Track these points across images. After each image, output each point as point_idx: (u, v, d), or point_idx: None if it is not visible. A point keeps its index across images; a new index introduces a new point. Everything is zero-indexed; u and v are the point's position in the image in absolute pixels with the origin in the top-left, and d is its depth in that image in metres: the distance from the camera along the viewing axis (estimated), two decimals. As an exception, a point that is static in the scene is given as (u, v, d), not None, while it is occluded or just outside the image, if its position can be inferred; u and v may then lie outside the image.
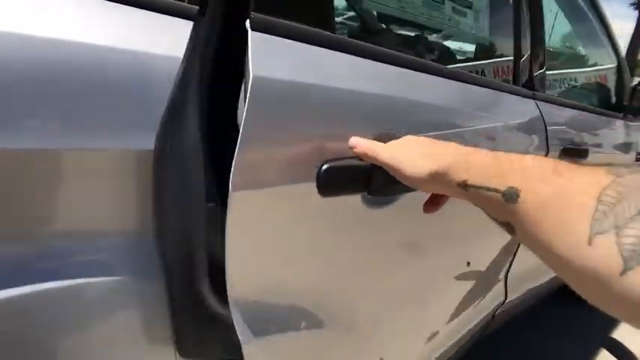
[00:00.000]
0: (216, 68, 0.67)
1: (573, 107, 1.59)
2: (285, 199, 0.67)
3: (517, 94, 1.26)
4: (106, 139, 0.58)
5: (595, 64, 2.36)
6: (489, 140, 1.06)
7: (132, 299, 0.67)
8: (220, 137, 0.67)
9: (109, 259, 0.65)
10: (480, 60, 1.52)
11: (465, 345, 1.36)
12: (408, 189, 0.64)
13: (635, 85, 1.96)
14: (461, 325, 1.29)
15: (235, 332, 0.68)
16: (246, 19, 0.63)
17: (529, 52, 1.35)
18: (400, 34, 1.46)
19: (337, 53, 0.72)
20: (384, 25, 1.45)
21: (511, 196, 0.46)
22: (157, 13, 0.61)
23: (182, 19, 0.62)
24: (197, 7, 0.64)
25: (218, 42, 0.67)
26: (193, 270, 0.69)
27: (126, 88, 0.58)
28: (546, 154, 1.28)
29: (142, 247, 0.68)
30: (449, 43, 1.57)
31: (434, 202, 0.67)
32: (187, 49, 0.62)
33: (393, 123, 0.78)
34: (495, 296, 1.45)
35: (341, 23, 1.54)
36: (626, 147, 2.05)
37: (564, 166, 0.45)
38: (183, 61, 0.61)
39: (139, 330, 0.67)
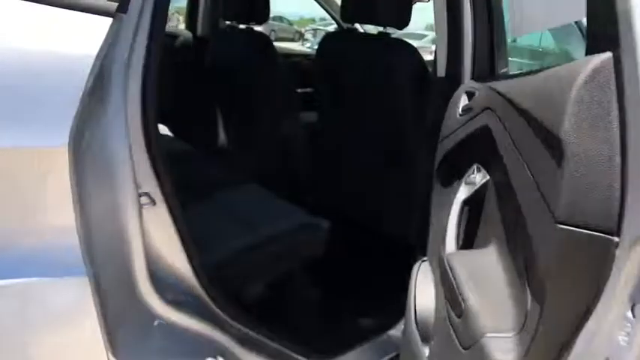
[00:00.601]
0: (146, 64, 0.67)
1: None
2: None
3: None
4: (25, 137, 0.57)
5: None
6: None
7: (65, 299, 0.66)
8: (149, 130, 0.66)
9: (46, 258, 0.65)
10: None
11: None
12: None
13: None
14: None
15: (172, 336, 0.66)
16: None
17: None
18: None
19: None
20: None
21: None
22: (72, 11, 0.61)
23: (98, 16, 0.62)
24: (117, 4, 0.63)
25: (148, 38, 0.67)
26: (129, 270, 0.68)
27: (40, 85, 0.57)
28: None
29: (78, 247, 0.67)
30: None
31: None
32: (106, 44, 0.61)
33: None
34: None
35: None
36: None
37: None
38: (102, 57, 0.61)
39: (72, 329, 0.66)
